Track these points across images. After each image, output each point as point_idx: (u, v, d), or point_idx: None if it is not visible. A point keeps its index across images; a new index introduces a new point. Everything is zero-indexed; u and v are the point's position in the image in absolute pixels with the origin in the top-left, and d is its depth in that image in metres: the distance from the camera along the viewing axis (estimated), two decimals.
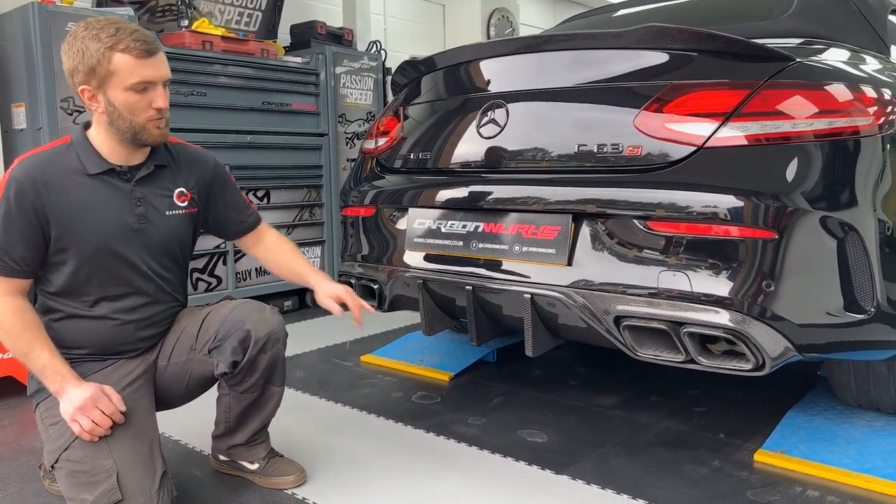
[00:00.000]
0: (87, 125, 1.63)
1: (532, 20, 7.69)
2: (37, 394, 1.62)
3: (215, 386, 1.81)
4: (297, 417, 2.32)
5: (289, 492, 1.81)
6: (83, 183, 1.57)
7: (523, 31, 6.87)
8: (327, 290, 1.82)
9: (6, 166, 3.05)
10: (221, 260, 3.59)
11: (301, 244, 3.96)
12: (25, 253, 1.53)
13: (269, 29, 4.20)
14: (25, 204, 1.51)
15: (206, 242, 3.50)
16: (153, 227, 1.65)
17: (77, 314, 1.61)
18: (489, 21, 6.43)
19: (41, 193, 1.53)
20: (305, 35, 4.29)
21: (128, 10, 3.15)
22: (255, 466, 1.85)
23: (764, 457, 1.94)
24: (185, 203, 1.72)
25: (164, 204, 1.68)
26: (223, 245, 3.57)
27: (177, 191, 1.70)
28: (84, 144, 1.60)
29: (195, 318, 1.75)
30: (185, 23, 3.54)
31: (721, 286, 1.60)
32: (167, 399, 1.77)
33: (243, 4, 4.05)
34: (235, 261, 3.64)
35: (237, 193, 1.88)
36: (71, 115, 3.00)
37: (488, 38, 6.33)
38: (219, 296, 2.77)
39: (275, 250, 1.91)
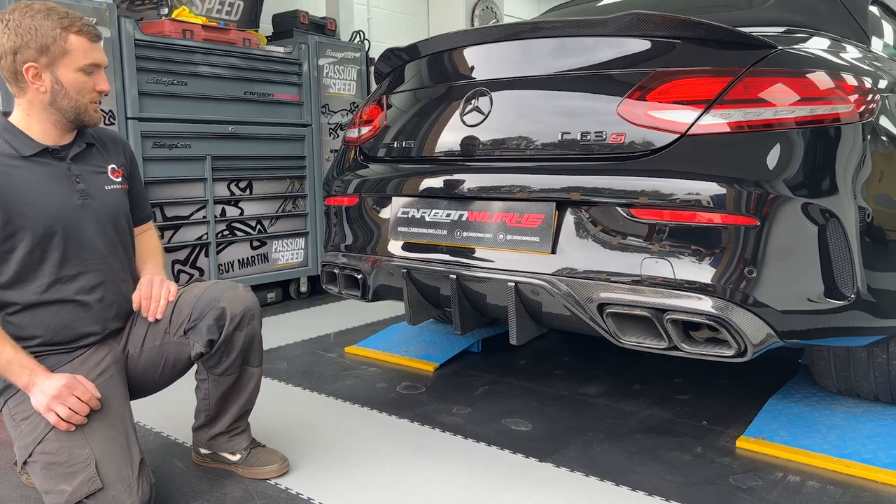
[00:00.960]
0: (6, 114, 1.62)
1: (516, 11, 7.67)
2: (4, 391, 1.59)
3: (194, 375, 1.80)
4: (280, 408, 2.30)
5: (272, 481, 1.80)
6: (19, 166, 1.56)
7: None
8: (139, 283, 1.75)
9: None
10: (203, 251, 3.55)
11: (284, 235, 3.93)
12: None
13: (250, 18, 4.14)
14: None
15: (188, 234, 3.47)
16: (96, 202, 1.65)
17: (34, 303, 1.58)
18: (473, 11, 6.41)
19: None
20: (288, 24, 4.24)
21: None
22: (236, 458, 1.83)
23: (746, 443, 1.95)
24: (120, 179, 1.75)
25: (101, 180, 1.70)
26: (205, 237, 3.54)
27: (109, 167, 1.73)
28: (10, 129, 1.59)
29: None
30: (165, 11, 3.49)
31: (704, 273, 1.60)
32: (143, 386, 1.76)
33: None
34: (217, 252, 3.61)
35: (142, 182, 1.91)
36: None
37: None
38: None
39: (141, 245, 1.85)
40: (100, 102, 1.64)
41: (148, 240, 1.88)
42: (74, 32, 1.54)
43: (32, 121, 1.59)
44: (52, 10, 1.54)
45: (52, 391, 1.47)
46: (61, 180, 1.61)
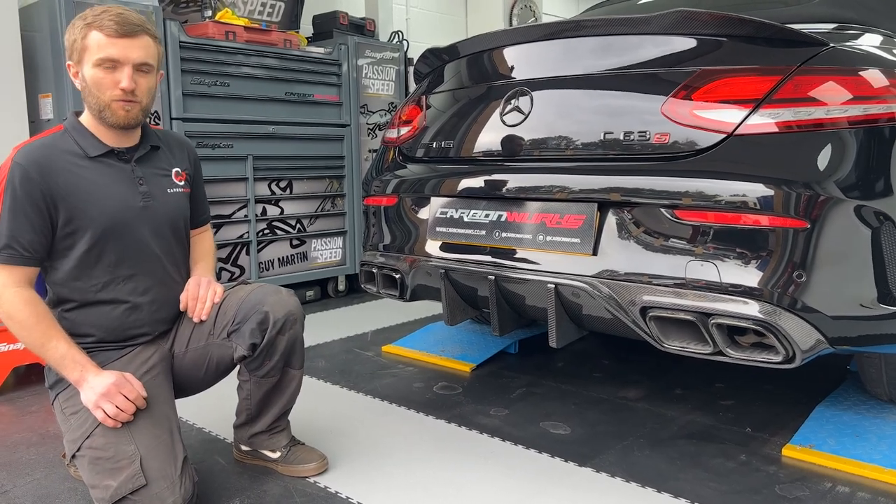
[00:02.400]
0: (79, 113, 1.66)
1: (555, 10, 7.61)
2: (56, 385, 1.63)
3: (236, 375, 1.82)
4: (318, 406, 2.32)
5: (311, 479, 1.81)
6: (85, 165, 1.60)
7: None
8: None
9: None
10: (245, 250, 3.61)
11: (323, 235, 3.97)
12: (34, 238, 1.54)
13: (291, 19, 4.19)
14: (32, 189, 1.53)
15: (230, 233, 3.52)
16: (158, 204, 1.68)
17: (89, 300, 1.62)
18: (511, 11, 6.38)
19: (47, 177, 1.54)
20: (328, 25, 4.28)
21: (152, 1, 3.16)
22: (276, 455, 1.85)
23: (792, 451, 1.90)
24: (183, 182, 1.77)
25: (164, 182, 1.72)
26: (246, 235, 3.59)
27: (173, 170, 1.75)
28: (79, 129, 1.63)
29: None
30: (209, 13, 3.55)
31: (750, 276, 1.56)
32: (187, 386, 1.78)
33: None
34: (258, 251, 3.65)
35: (203, 185, 1.92)
36: None
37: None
38: None
39: (195, 246, 1.86)
40: (129, 102, 1.56)
41: (202, 241, 1.90)
42: (95, 28, 1.54)
43: (89, 120, 1.63)
44: (95, 10, 1.56)
45: (101, 389, 1.50)
46: (125, 182, 1.64)
